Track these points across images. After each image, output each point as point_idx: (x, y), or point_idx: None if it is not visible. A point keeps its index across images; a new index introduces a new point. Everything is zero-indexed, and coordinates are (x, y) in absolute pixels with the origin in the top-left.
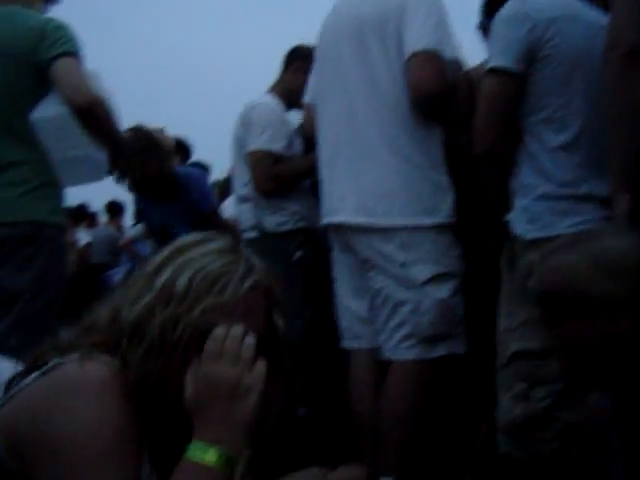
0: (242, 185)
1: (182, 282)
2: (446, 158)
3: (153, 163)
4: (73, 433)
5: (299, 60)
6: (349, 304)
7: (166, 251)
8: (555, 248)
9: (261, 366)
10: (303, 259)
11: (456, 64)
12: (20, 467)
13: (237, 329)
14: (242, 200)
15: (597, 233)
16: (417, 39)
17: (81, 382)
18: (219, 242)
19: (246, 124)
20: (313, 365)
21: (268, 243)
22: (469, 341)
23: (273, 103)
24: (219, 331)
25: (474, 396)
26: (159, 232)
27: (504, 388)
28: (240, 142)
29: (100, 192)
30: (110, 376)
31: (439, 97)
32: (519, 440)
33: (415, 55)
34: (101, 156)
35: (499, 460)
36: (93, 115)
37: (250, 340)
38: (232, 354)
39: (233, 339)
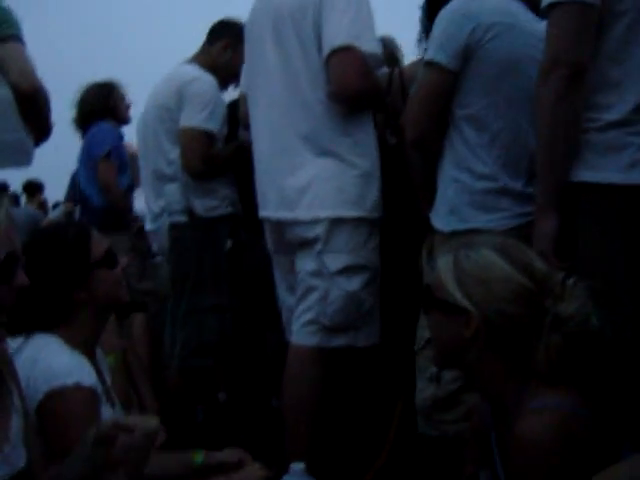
0: (166, 163)
1: None
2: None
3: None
4: None
5: (228, 37)
6: (285, 300)
7: None
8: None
9: None
10: (233, 250)
11: (376, 58)
12: None
13: None
14: (167, 179)
15: (474, 241)
16: (335, 34)
17: None
18: None
19: (181, 96)
20: (234, 353)
21: (198, 229)
22: (392, 328)
23: (212, 79)
24: None
25: (394, 378)
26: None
27: (420, 371)
28: (169, 113)
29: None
30: None
31: (362, 94)
32: (430, 420)
33: (334, 52)
34: (30, 141)
35: (418, 438)
36: (36, 102)
37: None
38: None
39: None
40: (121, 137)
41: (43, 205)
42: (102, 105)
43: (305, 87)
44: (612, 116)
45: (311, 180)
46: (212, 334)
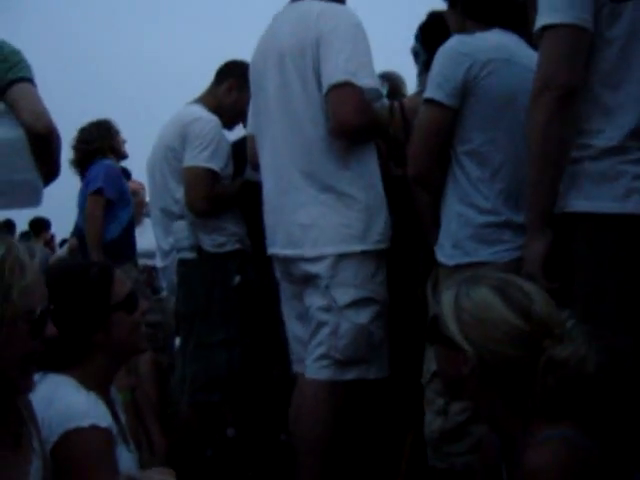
0: (173, 201)
1: None
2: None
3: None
4: None
5: (234, 77)
6: (293, 329)
7: None
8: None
9: None
10: (241, 285)
11: (375, 92)
12: None
13: None
14: (175, 217)
15: (476, 276)
16: (332, 72)
17: None
18: None
19: (184, 136)
20: (244, 389)
21: (207, 265)
22: (400, 360)
23: (215, 119)
24: None
25: (404, 411)
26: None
27: (428, 403)
28: (173, 153)
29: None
30: None
31: (361, 128)
32: (439, 452)
33: (332, 89)
34: (40, 182)
35: (428, 471)
36: (50, 143)
37: None
38: None
39: None
40: (121, 173)
41: (50, 242)
42: (104, 144)
43: (306, 125)
44: (605, 142)
45: (315, 217)
46: (221, 369)
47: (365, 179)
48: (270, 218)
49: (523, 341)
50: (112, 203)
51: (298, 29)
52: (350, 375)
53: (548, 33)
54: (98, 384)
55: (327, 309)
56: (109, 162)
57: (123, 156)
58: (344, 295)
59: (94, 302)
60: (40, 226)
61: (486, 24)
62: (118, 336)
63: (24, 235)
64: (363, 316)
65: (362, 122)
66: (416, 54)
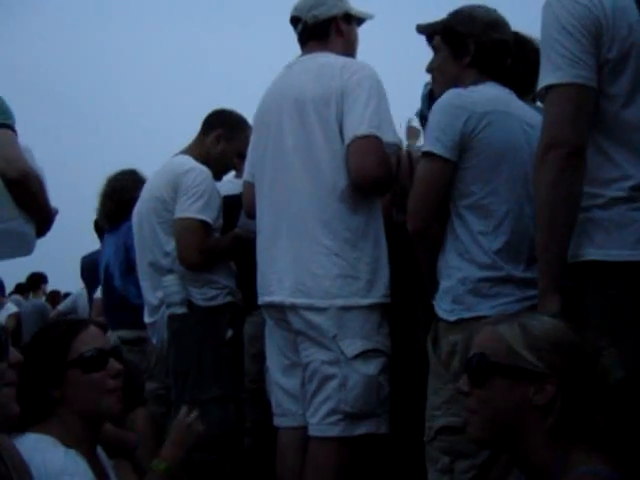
0: (162, 254)
1: None
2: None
3: None
4: None
5: (222, 127)
6: (278, 380)
7: None
8: (490, 320)
9: None
10: (233, 340)
11: (395, 147)
12: None
13: None
14: (164, 270)
15: (529, 313)
16: (358, 124)
17: None
18: None
19: (176, 187)
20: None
21: (198, 320)
22: (401, 417)
23: (207, 170)
24: None
25: (405, 469)
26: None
27: (431, 462)
28: (163, 205)
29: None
30: None
31: (380, 181)
32: None
33: (356, 140)
34: (29, 229)
35: None
36: (27, 188)
37: None
38: None
39: None
40: None
41: (55, 296)
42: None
43: (328, 173)
44: (615, 192)
45: (328, 267)
46: (215, 427)
47: (372, 232)
48: (278, 265)
49: (590, 360)
50: None
51: (322, 79)
52: (360, 430)
53: (552, 92)
54: (78, 441)
55: (334, 362)
56: None
57: None
58: (352, 346)
59: (50, 357)
60: (37, 281)
61: (489, 77)
62: (74, 394)
63: (19, 287)
64: (372, 367)
65: (382, 174)
66: (423, 118)
